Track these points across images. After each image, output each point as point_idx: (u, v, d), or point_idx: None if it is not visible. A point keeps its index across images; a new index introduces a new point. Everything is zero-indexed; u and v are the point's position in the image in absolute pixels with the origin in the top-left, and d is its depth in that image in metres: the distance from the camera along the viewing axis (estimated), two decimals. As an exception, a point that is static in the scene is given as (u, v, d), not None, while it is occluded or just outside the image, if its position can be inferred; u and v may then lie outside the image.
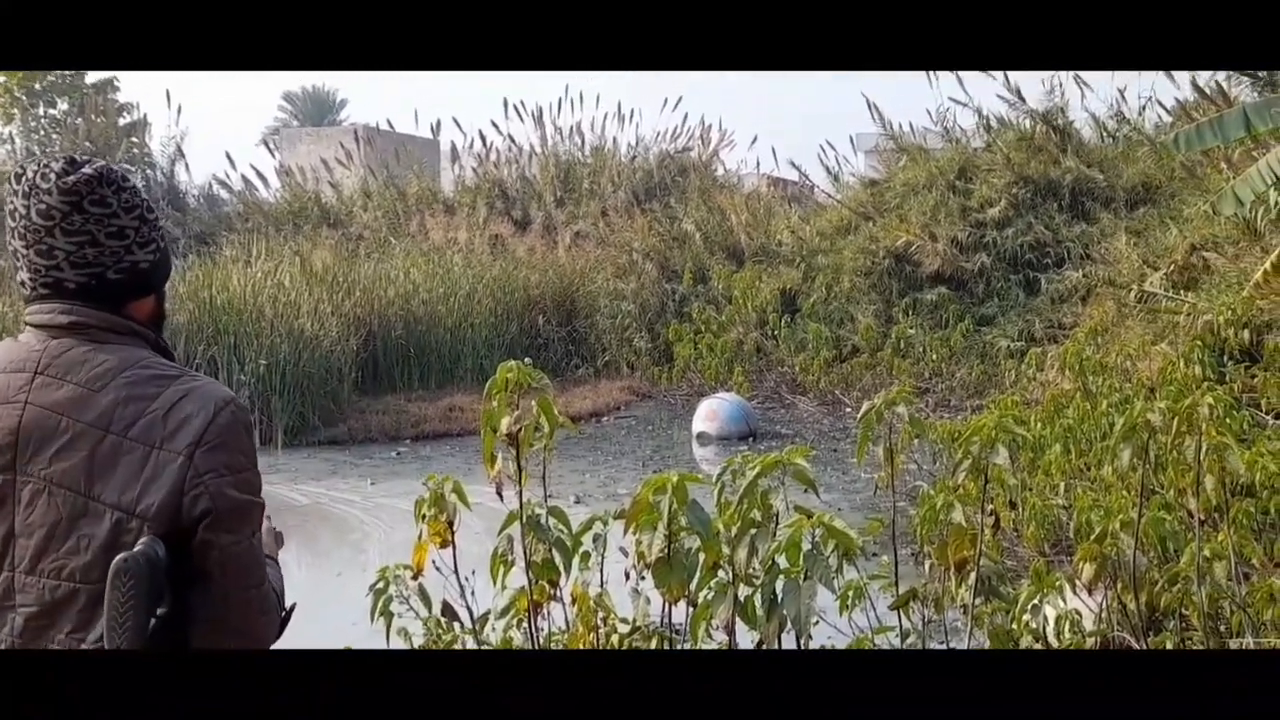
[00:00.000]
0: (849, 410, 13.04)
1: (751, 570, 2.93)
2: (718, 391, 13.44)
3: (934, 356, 13.52)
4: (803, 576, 2.77)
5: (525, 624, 3.31)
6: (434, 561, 3.33)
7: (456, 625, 3.48)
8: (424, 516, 3.17)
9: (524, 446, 3.05)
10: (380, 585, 3.43)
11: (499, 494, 3.11)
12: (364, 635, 3.57)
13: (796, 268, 16.03)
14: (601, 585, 3.32)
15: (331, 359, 13.64)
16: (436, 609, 3.51)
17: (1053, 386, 8.79)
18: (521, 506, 3.11)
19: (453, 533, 3.18)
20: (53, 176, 1.75)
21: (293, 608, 1.95)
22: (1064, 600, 3.52)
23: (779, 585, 2.83)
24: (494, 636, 3.40)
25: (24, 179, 1.76)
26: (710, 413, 12.39)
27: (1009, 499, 3.39)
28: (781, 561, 2.87)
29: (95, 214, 1.76)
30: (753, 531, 2.92)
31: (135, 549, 1.64)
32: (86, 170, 1.77)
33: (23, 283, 1.80)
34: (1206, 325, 8.42)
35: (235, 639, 1.75)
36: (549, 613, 3.35)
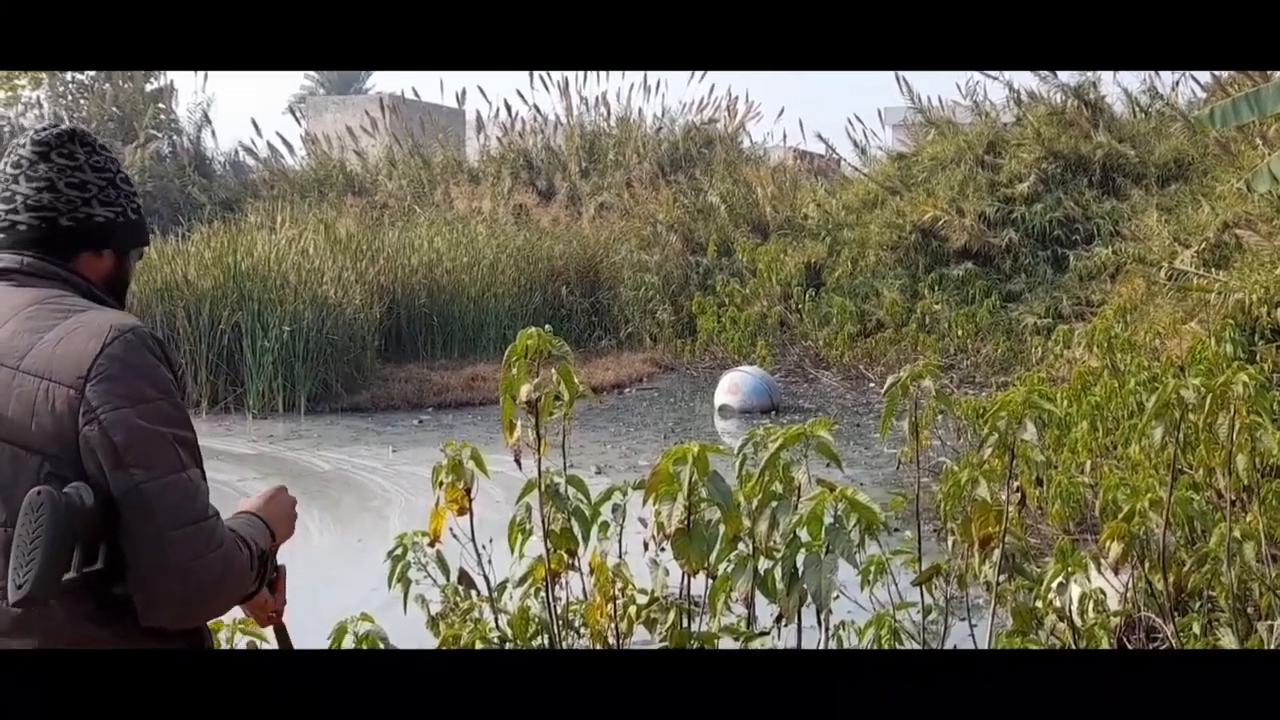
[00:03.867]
0: (873, 385, 12.96)
1: (772, 543, 2.89)
2: (740, 365, 13.38)
3: (959, 333, 13.40)
4: (824, 550, 2.74)
5: (542, 593, 3.29)
6: (452, 529, 3.31)
7: (474, 593, 3.47)
8: (441, 483, 3.14)
9: (543, 414, 3.02)
10: (398, 552, 3.41)
11: (517, 462, 3.09)
12: (383, 601, 3.57)
13: (822, 241, 15.93)
14: (620, 556, 3.29)
15: (355, 326, 13.66)
16: (455, 576, 3.49)
17: (1080, 364, 8.69)
18: (540, 475, 3.08)
19: (470, 500, 3.15)
20: (32, 133, 1.80)
21: (281, 568, 1.90)
22: (1089, 579, 3.46)
23: (800, 559, 2.79)
24: (511, 605, 3.39)
25: (14, 143, 1.81)
26: (733, 386, 12.33)
27: (1035, 476, 3.33)
28: (803, 535, 2.83)
29: (59, 164, 1.78)
30: (774, 504, 2.89)
31: (64, 490, 1.54)
32: (63, 128, 1.81)
33: None
34: (1238, 304, 8.29)
35: (182, 581, 1.60)
36: (567, 582, 3.33)
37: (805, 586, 2.73)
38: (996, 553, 3.28)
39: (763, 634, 3.06)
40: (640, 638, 3.22)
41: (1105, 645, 3.40)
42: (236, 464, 9.74)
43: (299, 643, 2.07)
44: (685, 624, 3.15)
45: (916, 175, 16.30)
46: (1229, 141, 12.79)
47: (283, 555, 1.92)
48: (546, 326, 3.04)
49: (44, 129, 1.80)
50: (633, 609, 3.09)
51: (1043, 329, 12.55)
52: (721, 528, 2.85)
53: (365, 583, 5.45)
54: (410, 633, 3.34)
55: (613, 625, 3.11)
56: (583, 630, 3.30)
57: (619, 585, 3.12)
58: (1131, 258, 12.57)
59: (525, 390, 2.97)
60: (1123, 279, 12.21)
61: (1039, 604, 3.41)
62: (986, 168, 15.44)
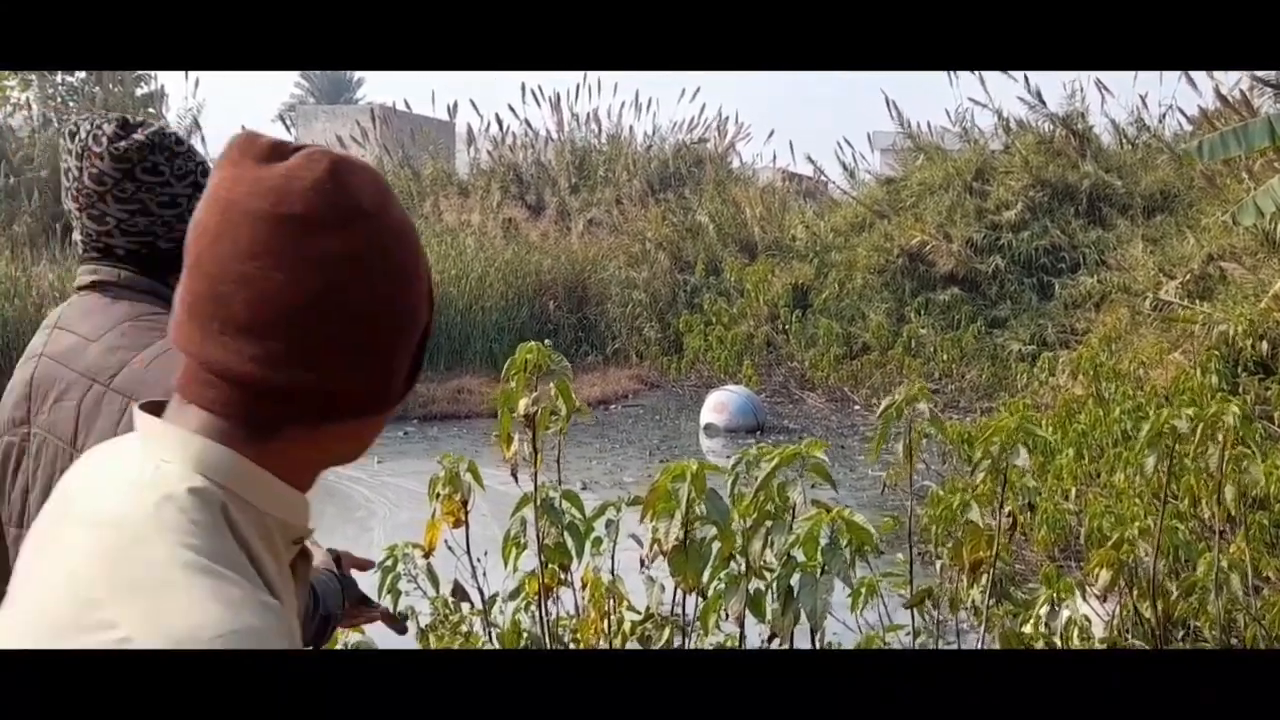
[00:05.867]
0: (857, 408, 13.00)
1: (765, 563, 2.90)
2: (726, 384, 13.40)
3: (944, 357, 13.47)
4: (820, 571, 2.74)
5: (535, 607, 3.29)
6: (445, 541, 3.31)
7: (465, 606, 3.47)
8: (438, 495, 3.14)
9: (540, 428, 3.03)
10: (388, 563, 3.41)
11: (514, 475, 3.09)
12: (370, 613, 3.55)
13: (809, 263, 16.00)
14: (613, 572, 3.30)
15: (341, 336, 13.61)
16: (444, 589, 3.49)
17: (1064, 391, 8.74)
18: (536, 489, 3.08)
19: (466, 513, 3.15)
20: (105, 140, 1.70)
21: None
22: (1077, 605, 3.49)
23: (795, 579, 2.80)
24: (503, 619, 3.38)
25: (77, 138, 1.71)
26: (719, 405, 12.35)
27: (1027, 501, 3.36)
28: (798, 555, 2.84)
29: (147, 182, 1.71)
30: (768, 524, 2.90)
31: None
32: (139, 136, 1.72)
33: (76, 242, 1.77)
34: (1222, 335, 8.37)
35: None
36: (559, 597, 3.34)
37: (800, 607, 2.74)
38: (985, 577, 3.29)
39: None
40: (630, 654, 3.22)
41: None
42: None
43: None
44: (680, 641, 3.16)
45: (904, 200, 16.40)
46: (1214, 175, 12.92)
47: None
48: (546, 341, 3.05)
49: (118, 134, 1.70)
50: (626, 625, 3.09)
51: (1027, 356, 12.63)
52: (716, 545, 2.86)
53: (350, 593, 5.42)
54: (399, 645, 3.32)
55: (605, 641, 3.11)
56: (574, 646, 3.30)
57: (612, 601, 3.12)
58: (1116, 287, 12.67)
59: (524, 404, 2.98)
60: (1107, 308, 12.30)
61: (1027, 629, 3.43)
62: (974, 194, 15.54)
